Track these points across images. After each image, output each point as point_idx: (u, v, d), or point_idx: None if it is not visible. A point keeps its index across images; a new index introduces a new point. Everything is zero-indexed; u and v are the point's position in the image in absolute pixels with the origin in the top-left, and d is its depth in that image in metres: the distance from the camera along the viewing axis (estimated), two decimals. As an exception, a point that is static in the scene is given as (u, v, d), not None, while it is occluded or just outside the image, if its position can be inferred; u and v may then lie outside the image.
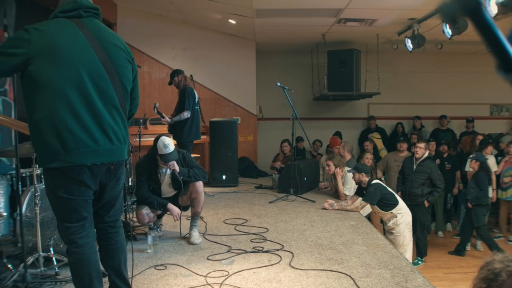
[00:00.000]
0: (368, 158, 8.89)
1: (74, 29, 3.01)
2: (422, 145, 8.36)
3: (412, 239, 7.18)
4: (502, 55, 0.71)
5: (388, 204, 6.90)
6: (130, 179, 6.66)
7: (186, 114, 8.04)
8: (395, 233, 6.77)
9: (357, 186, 7.52)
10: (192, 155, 8.09)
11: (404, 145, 9.97)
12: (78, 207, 3.09)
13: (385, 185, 7.18)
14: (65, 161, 2.94)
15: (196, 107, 8.31)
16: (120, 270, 3.39)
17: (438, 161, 10.00)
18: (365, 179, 7.10)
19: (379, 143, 12.15)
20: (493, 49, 0.70)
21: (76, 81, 2.93)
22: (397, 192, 8.03)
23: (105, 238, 3.37)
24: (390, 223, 6.91)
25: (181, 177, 5.42)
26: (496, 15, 6.76)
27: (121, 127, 3.15)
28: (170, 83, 8.40)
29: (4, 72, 2.99)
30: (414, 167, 8.32)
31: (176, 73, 8.31)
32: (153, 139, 5.53)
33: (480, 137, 10.26)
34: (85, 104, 2.95)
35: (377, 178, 7.95)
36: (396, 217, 6.89)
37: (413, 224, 8.20)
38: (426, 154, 8.32)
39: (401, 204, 7.04)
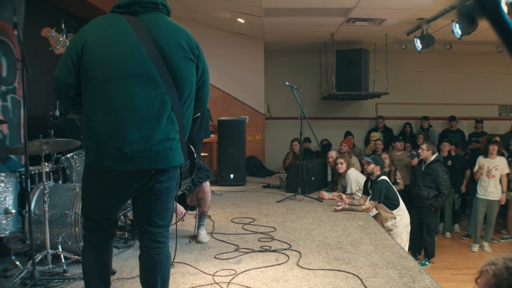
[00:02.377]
0: (386, 158, 8.90)
1: (125, 26, 2.83)
2: (424, 146, 8.31)
3: (408, 241, 7.17)
4: (521, 55, 0.70)
5: (391, 203, 6.90)
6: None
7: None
8: (392, 234, 6.75)
9: (358, 185, 7.58)
10: (201, 154, 8.12)
11: (399, 145, 10.07)
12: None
13: (391, 184, 7.17)
14: (95, 161, 2.88)
15: (206, 106, 8.30)
16: None
17: (450, 162, 9.96)
18: (377, 172, 7.08)
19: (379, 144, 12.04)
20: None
21: (119, 82, 2.77)
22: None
23: (143, 252, 3.05)
24: (389, 224, 6.89)
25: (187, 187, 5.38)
26: (508, 13, 6.75)
27: (167, 131, 2.83)
28: None
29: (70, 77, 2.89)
30: (422, 169, 8.29)
31: None
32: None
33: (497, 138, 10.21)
34: (126, 105, 2.76)
35: (394, 180, 8.03)
36: (395, 218, 6.89)
37: (419, 226, 8.21)
38: (434, 156, 8.26)
39: (402, 206, 7.05)
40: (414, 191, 8.34)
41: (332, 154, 9.13)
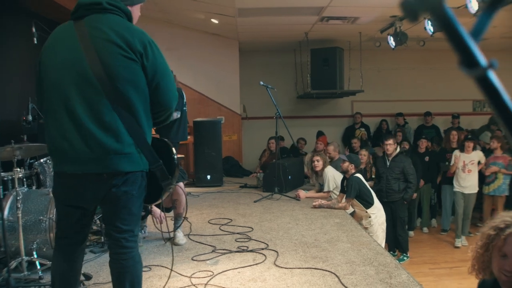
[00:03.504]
0: (363, 155, 8.94)
1: (71, 31, 2.85)
2: (390, 141, 8.31)
3: (384, 239, 7.22)
4: (465, 50, 0.71)
5: (365, 201, 6.94)
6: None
7: (176, 115, 7.96)
8: (368, 232, 6.79)
9: (335, 183, 7.62)
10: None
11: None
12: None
13: (364, 182, 7.20)
14: (53, 165, 2.94)
15: (184, 108, 8.27)
16: None
17: (427, 158, 10.05)
18: (352, 171, 7.11)
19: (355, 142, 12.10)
20: (455, 45, 0.70)
21: (60, 87, 2.79)
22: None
23: (111, 258, 3.00)
24: (364, 223, 6.93)
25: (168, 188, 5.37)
26: (477, 11, 6.80)
27: (113, 136, 2.77)
28: None
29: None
30: (388, 163, 8.31)
31: None
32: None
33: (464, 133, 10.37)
34: (67, 110, 2.77)
35: (370, 176, 8.08)
36: (370, 217, 6.93)
37: (393, 221, 8.25)
38: (398, 149, 8.33)
39: (377, 204, 7.09)
40: (383, 187, 8.34)
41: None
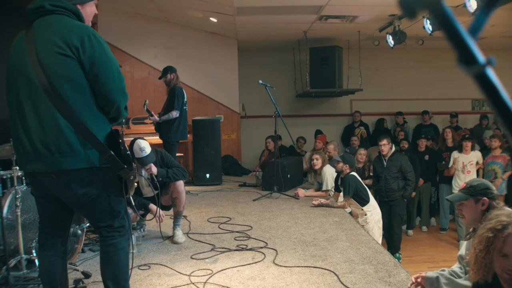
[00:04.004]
0: (362, 154, 8.94)
1: (22, 36, 2.95)
2: (384, 141, 8.30)
3: (381, 237, 7.23)
4: (462, 48, 0.71)
5: (361, 199, 6.96)
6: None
7: (175, 114, 8.00)
8: (364, 230, 6.80)
9: (333, 181, 7.63)
10: (176, 154, 8.09)
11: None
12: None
13: (360, 180, 7.22)
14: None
15: (185, 107, 8.27)
16: (106, 284, 3.07)
17: (427, 157, 10.05)
18: (347, 170, 7.13)
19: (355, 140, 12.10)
20: (454, 42, 0.71)
21: (13, 91, 2.91)
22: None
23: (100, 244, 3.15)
24: (360, 220, 6.93)
25: (160, 179, 5.38)
26: (476, 10, 6.81)
27: (56, 136, 2.80)
28: (160, 78, 8.35)
29: None
30: (385, 163, 8.31)
31: (169, 70, 8.29)
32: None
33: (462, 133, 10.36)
34: (18, 111, 2.88)
35: (368, 175, 8.10)
36: (366, 214, 6.95)
37: (391, 219, 8.26)
38: (393, 149, 8.33)
39: (372, 202, 7.13)
40: (382, 187, 8.35)
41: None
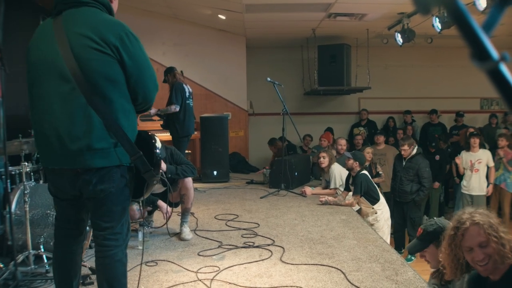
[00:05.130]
0: (369, 153, 8.92)
1: (49, 27, 2.83)
2: (405, 146, 8.26)
3: (390, 235, 7.23)
4: (476, 44, 0.71)
5: (372, 197, 6.95)
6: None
7: (174, 108, 8.00)
8: (374, 228, 6.79)
9: (341, 180, 7.62)
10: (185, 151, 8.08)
11: (381, 138, 9.95)
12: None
13: (370, 178, 7.22)
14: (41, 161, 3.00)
15: (188, 101, 8.26)
16: None
17: (438, 157, 9.98)
18: (357, 168, 7.12)
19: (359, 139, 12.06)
20: (467, 38, 0.70)
21: (39, 85, 2.82)
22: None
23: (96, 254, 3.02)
24: (370, 219, 6.92)
25: (169, 175, 5.39)
26: (485, 8, 6.78)
27: (86, 132, 2.74)
28: (164, 81, 8.37)
29: None
30: (404, 163, 8.29)
31: (167, 72, 8.34)
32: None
33: (471, 130, 10.27)
34: (46, 106, 2.79)
35: (376, 173, 8.11)
36: (376, 213, 6.94)
37: (403, 222, 8.25)
38: (415, 151, 8.27)
39: (382, 200, 7.12)
40: (397, 186, 8.34)
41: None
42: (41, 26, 2.94)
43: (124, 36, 2.80)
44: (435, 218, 3.43)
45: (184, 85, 8.26)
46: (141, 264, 4.08)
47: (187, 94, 8.26)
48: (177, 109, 8.00)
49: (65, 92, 2.73)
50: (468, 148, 9.15)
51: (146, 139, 3.01)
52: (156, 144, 3.01)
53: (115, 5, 3.10)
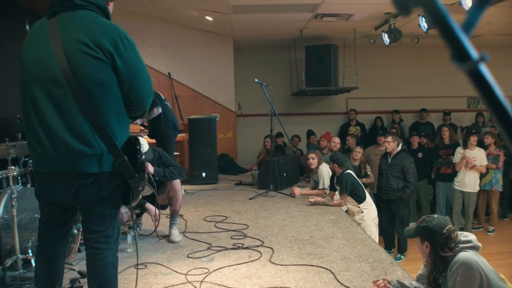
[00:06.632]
0: (357, 152, 8.94)
1: (43, 29, 2.79)
2: (389, 138, 8.26)
3: (377, 234, 7.25)
4: (456, 44, 0.71)
5: (358, 196, 6.98)
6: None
7: (156, 110, 7.83)
8: (361, 228, 6.81)
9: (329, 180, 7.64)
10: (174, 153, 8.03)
11: (383, 138, 9.96)
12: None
13: (355, 177, 7.24)
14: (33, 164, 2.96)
15: (166, 102, 8.18)
16: None
17: (420, 154, 10.02)
18: (339, 169, 7.15)
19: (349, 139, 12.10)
20: (447, 38, 0.71)
21: (30, 87, 2.78)
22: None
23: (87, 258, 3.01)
24: (356, 218, 6.94)
25: (157, 178, 5.38)
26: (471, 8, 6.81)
27: (79, 138, 2.73)
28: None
29: None
30: (389, 161, 8.30)
31: None
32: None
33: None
34: (37, 109, 2.75)
35: (365, 173, 8.15)
36: (362, 212, 6.97)
37: (391, 220, 8.27)
38: (399, 147, 8.29)
39: (369, 199, 7.15)
40: (383, 184, 8.35)
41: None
42: (35, 28, 2.91)
43: (118, 41, 2.77)
44: (436, 215, 3.41)
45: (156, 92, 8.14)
46: (137, 265, 4.07)
47: (162, 96, 8.17)
48: (160, 110, 7.87)
49: (58, 97, 2.71)
50: (465, 145, 9.24)
51: (131, 143, 2.97)
52: (142, 149, 2.99)
53: (111, 8, 3.07)
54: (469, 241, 3.19)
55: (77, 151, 2.72)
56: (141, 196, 3.03)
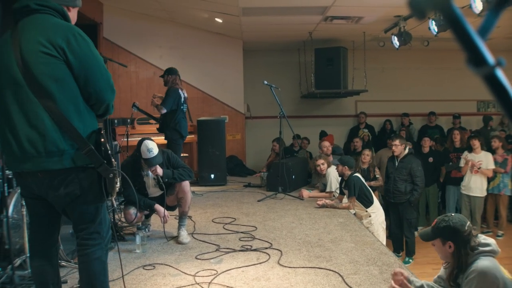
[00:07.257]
0: (365, 154, 8.91)
1: (7, 36, 2.93)
2: (396, 142, 8.22)
3: (385, 238, 7.22)
4: (472, 49, 0.71)
5: (365, 200, 6.96)
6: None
7: (161, 109, 7.85)
8: (369, 231, 6.80)
9: (339, 182, 7.62)
10: (181, 155, 8.04)
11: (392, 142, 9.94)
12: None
13: (363, 181, 7.22)
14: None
15: (182, 107, 8.19)
16: None
17: (431, 159, 9.98)
18: (348, 172, 7.14)
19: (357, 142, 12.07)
20: (463, 43, 0.71)
21: (0, 91, 2.88)
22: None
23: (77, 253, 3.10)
24: (364, 222, 6.90)
25: (166, 180, 5.40)
26: (482, 11, 6.79)
27: (42, 135, 2.81)
28: (161, 76, 8.32)
29: None
30: (396, 164, 8.27)
31: (168, 72, 8.19)
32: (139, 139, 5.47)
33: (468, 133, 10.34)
34: (4, 111, 2.86)
35: (373, 176, 8.13)
36: (370, 216, 6.94)
37: (399, 224, 8.24)
38: (406, 150, 8.26)
39: (376, 203, 7.12)
40: (391, 187, 8.32)
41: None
42: (3, 37, 2.98)
43: (71, 37, 2.85)
44: (453, 214, 3.36)
45: (179, 91, 8.18)
46: (137, 267, 4.06)
47: (182, 100, 8.18)
48: (163, 111, 7.88)
49: (20, 97, 2.81)
50: (470, 150, 9.19)
51: (96, 135, 3.00)
52: (103, 140, 2.97)
53: (73, 15, 3.14)
54: (488, 245, 3.15)
55: (42, 149, 2.81)
56: (118, 186, 3.02)
